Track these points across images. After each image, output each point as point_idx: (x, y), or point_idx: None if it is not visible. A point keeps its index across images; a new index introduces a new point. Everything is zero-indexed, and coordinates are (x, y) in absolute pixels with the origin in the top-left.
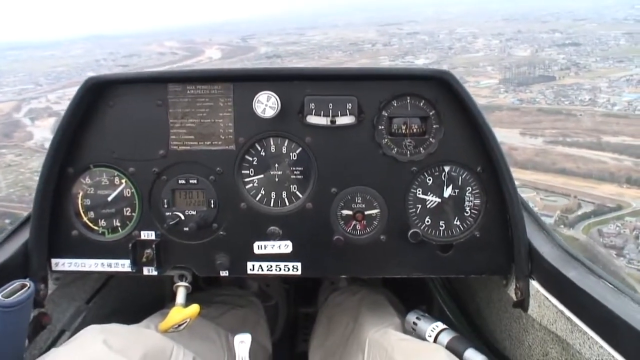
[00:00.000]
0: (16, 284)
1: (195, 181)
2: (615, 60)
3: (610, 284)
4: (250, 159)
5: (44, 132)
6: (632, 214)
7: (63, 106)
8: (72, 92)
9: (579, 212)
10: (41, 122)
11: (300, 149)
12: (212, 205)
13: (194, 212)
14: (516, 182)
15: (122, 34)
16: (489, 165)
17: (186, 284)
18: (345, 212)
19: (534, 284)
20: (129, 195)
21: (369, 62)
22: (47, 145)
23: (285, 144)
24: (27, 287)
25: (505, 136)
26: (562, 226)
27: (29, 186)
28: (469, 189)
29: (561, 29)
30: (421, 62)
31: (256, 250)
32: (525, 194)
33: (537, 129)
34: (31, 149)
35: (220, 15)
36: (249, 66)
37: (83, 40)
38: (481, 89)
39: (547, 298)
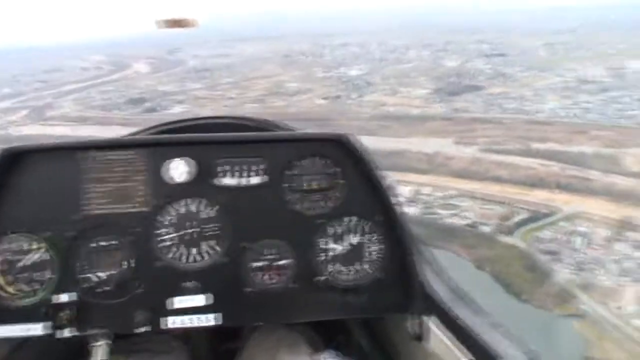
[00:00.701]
0: None
1: (111, 242)
2: (538, 69)
3: (490, 321)
4: (166, 219)
5: None
6: (565, 219)
7: None
8: None
9: (516, 219)
10: None
11: (213, 207)
12: (129, 265)
13: (112, 273)
14: (453, 192)
15: (35, 47)
16: (386, 214)
17: (103, 343)
18: (258, 263)
19: (430, 320)
20: (47, 259)
21: (303, 74)
22: None
23: (199, 204)
24: None
25: (441, 145)
26: (500, 234)
27: None
28: (370, 236)
29: (488, 40)
30: (354, 73)
31: (174, 305)
32: (462, 203)
33: (470, 137)
34: None
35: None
36: (173, 89)
37: None
38: (414, 99)
39: (441, 334)
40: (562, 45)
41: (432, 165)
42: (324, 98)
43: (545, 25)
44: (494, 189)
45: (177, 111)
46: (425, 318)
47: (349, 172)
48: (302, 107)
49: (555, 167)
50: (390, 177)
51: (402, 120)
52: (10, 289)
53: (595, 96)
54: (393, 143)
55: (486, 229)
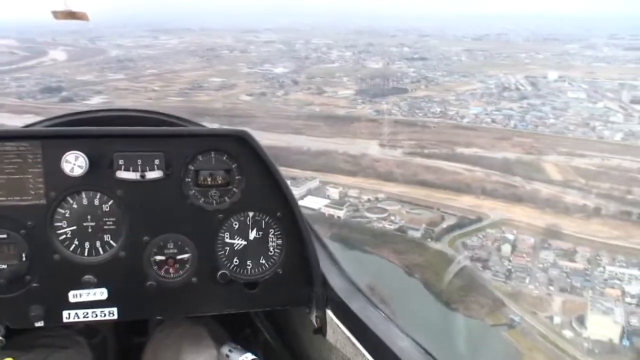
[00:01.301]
0: None
1: (5, 236)
2: (460, 74)
3: (383, 312)
4: (63, 211)
5: None
6: (491, 226)
7: None
8: None
9: (444, 225)
10: None
11: (111, 201)
12: (24, 259)
13: (5, 266)
14: (381, 195)
15: None
16: (286, 210)
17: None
18: (158, 257)
19: (329, 313)
20: None
21: (228, 69)
22: None
23: (97, 197)
24: None
25: (366, 148)
26: (429, 240)
27: None
28: (271, 231)
29: (409, 43)
30: (279, 70)
31: (71, 299)
32: (390, 207)
33: (395, 140)
34: None
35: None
36: (93, 79)
37: None
38: (339, 99)
39: (339, 325)
40: (483, 52)
41: (358, 167)
42: (249, 94)
43: (465, 32)
44: (421, 193)
45: (95, 102)
46: (327, 311)
47: (247, 168)
48: (227, 103)
49: (479, 172)
50: (317, 177)
51: (328, 120)
52: None
53: (515, 103)
54: (320, 143)
55: (416, 234)
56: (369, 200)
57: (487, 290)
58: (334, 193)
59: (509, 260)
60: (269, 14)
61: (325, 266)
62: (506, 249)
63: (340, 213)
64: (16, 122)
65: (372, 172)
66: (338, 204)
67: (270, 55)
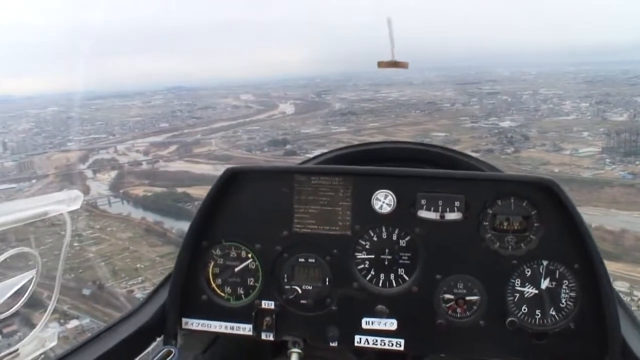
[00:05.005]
0: (164, 350)
1: (313, 260)
2: None
3: None
4: (364, 243)
5: (100, 187)
6: None
7: (129, 158)
8: (141, 143)
9: None
10: (102, 174)
11: (409, 237)
12: (327, 283)
13: (310, 287)
14: None
15: (203, 86)
16: (585, 262)
17: (299, 350)
18: (448, 296)
19: None
20: (253, 267)
21: (449, 123)
22: (99, 204)
23: (396, 232)
24: (172, 355)
25: (626, 221)
26: None
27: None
28: (565, 283)
29: None
30: (507, 124)
31: (364, 326)
32: None
33: None
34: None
35: (296, 69)
36: (316, 131)
37: (165, 91)
38: (582, 159)
39: None
40: None
41: (621, 248)
42: (475, 151)
43: None
44: None
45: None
46: None
47: (548, 216)
48: None
49: None
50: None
51: (571, 184)
52: (223, 291)
53: None
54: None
55: None
56: None
57: None
58: None
59: None
60: (491, 65)
61: (626, 330)
62: None
63: None
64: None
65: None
66: None
67: (494, 107)
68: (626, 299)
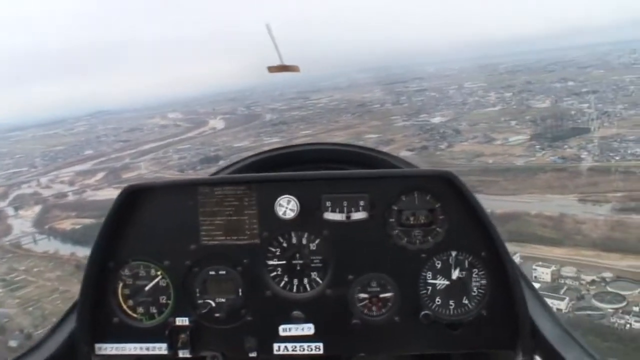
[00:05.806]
0: None
1: (224, 272)
2: None
3: None
4: (274, 250)
5: (24, 225)
6: None
7: (53, 190)
8: (65, 173)
9: None
10: (25, 211)
11: (318, 240)
12: (240, 293)
13: (224, 300)
14: (607, 274)
15: (127, 108)
16: (491, 249)
17: None
18: (362, 295)
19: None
20: (164, 285)
21: (381, 124)
22: (23, 243)
23: (305, 236)
24: None
25: (563, 205)
26: None
27: None
28: (475, 271)
29: (571, 77)
30: (437, 120)
31: (282, 333)
32: (627, 291)
33: (596, 193)
34: (2, 248)
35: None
36: (249, 144)
37: (87, 117)
38: (513, 147)
39: None
40: None
41: (562, 232)
42: (410, 149)
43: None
44: None
45: None
46: (532, 357)
47: (451, 208)
48: None
49: None
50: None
51: (507, 174)
52: (135, 312)
53: None
54: (504, 202)
55: None
56: (593, 281)
57: None
58: (544, 274)
59: None
60: (415, 63)
61: (534, 310)
62: None
63: (561, 304)
64: None
65: (581, 239)
66: (552, 289)
67: (424, 104)
68: (574, 283)
